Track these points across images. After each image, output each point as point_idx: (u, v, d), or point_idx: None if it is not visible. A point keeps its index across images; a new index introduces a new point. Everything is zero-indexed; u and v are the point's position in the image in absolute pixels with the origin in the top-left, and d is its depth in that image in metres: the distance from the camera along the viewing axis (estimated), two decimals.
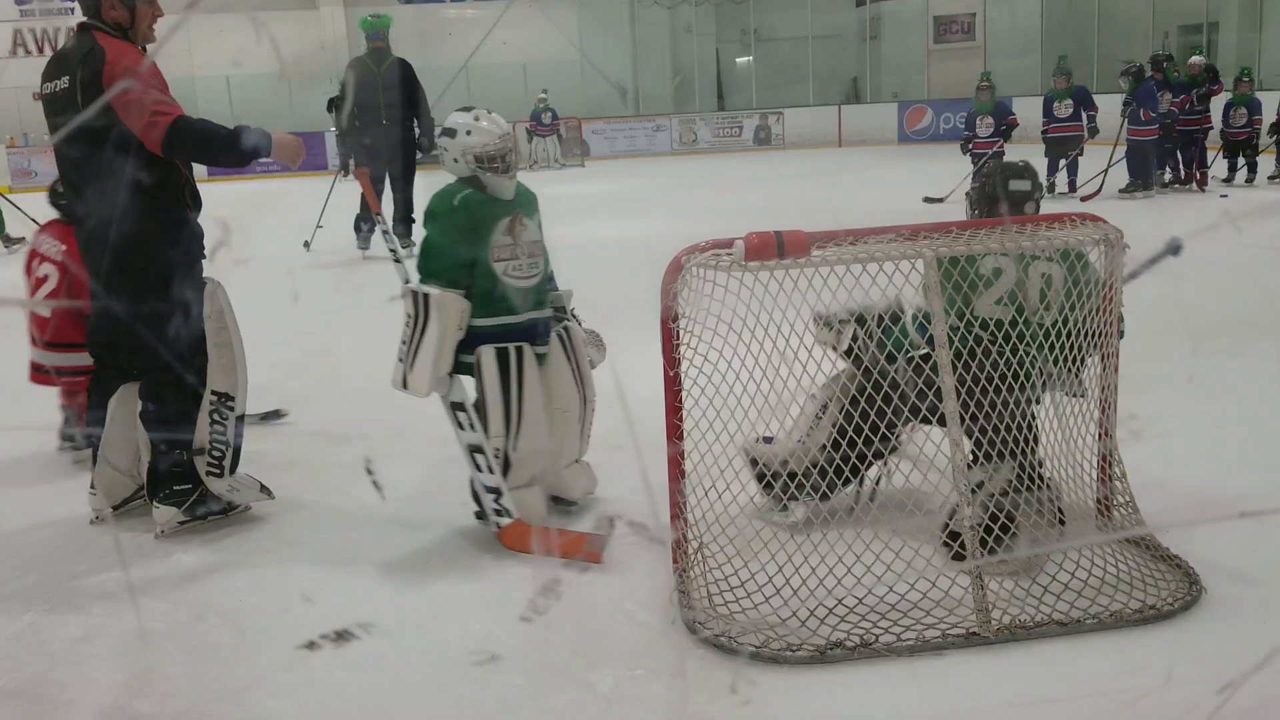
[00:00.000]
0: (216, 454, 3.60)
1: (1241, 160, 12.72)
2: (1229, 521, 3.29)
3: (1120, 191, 12.15)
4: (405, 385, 3.33)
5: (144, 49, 3.53)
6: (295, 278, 8.61)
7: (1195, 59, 13.10)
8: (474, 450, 3.35)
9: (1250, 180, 12.73)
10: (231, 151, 3.41)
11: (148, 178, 3.40)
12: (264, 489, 3.77)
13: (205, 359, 3.57)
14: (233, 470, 3.67)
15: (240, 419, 3.67)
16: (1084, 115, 12.21)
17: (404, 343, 3.32)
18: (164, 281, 3.49)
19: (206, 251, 3.61)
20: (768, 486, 3.36)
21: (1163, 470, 3.59)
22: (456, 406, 3.35)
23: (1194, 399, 4.47)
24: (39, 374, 4.45)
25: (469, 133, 3.41)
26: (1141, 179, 12.09)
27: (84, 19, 3.49)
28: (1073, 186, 12.43)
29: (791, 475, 3.20)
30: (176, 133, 3.31)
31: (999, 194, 3.47)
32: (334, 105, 9.99)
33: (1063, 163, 12.39)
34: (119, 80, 3.33)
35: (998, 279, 3.26)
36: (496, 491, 3.35)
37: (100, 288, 3.55)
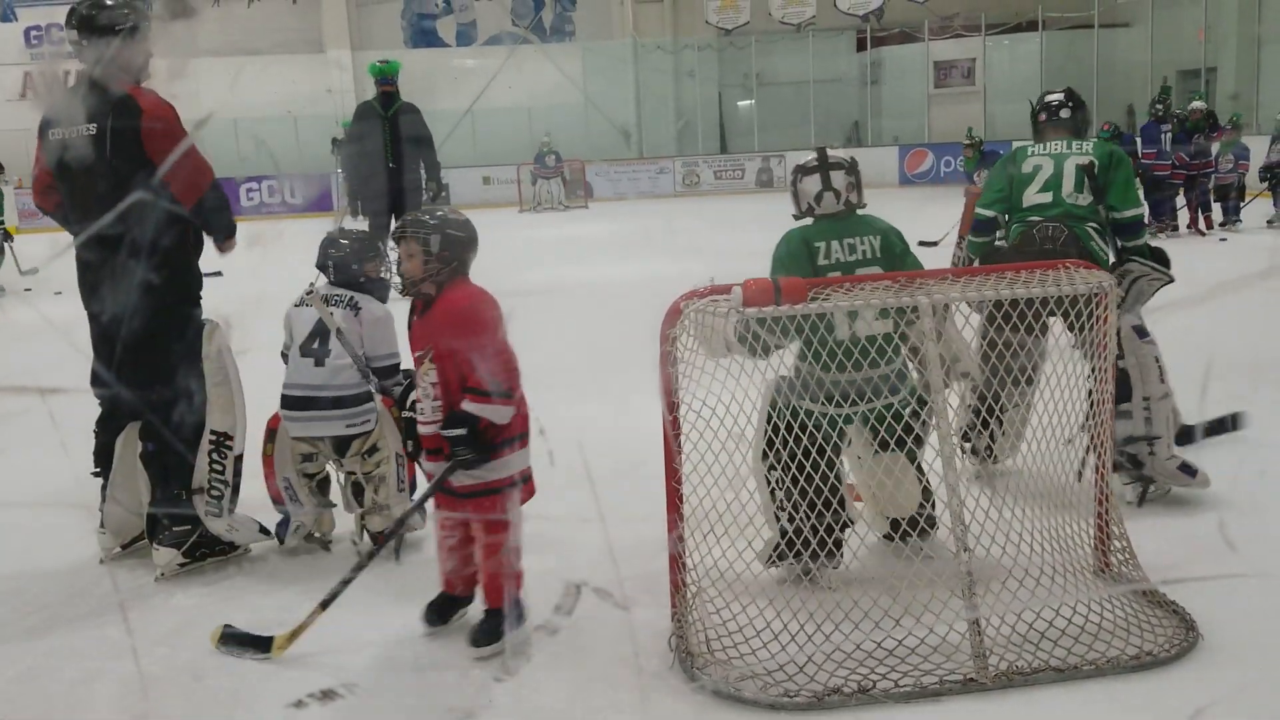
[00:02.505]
0: (216, 494, 3.62)
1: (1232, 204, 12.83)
2: (1224, 567, 3.28)
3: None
4: None
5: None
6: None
7: (1196, 104, 13.19)
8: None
9: (1234, 223, 12.79)
10: (224, 228, 3.73)
11: (156, 221, 3.46)
12: (263, 529, 3.78)
13: (204, 399, 3.60)
14: (231, 510, 3.69)
15: (239, 459, 3.69)
16: None
17: None
18: (164, 322, 3.54)
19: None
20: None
21: (1152, 522, 3.61)
22: None
23: (1195, 446, 4.47)
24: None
25: None
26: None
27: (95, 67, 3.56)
28: None
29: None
30: (212, 193, 3.62)
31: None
32: (337, 144, 10.11)
33: None
34: (157, 128, 3.50)
35: (1037, 174, 4.05)
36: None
37: (102, 328, 3.60)
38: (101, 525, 3.74)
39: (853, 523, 3.34)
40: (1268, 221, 12.87)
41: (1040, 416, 3.14)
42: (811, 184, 3.45)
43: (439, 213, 3.07)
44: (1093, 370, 3.15)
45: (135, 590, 3.55)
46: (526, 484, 3.08)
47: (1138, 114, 19.08)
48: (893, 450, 3.29)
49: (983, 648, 2.75)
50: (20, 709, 2.83)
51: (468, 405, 2.90)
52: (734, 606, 3.02)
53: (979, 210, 4.22)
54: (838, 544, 3.25)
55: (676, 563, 2.98)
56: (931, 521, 3.38)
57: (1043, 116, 4.25)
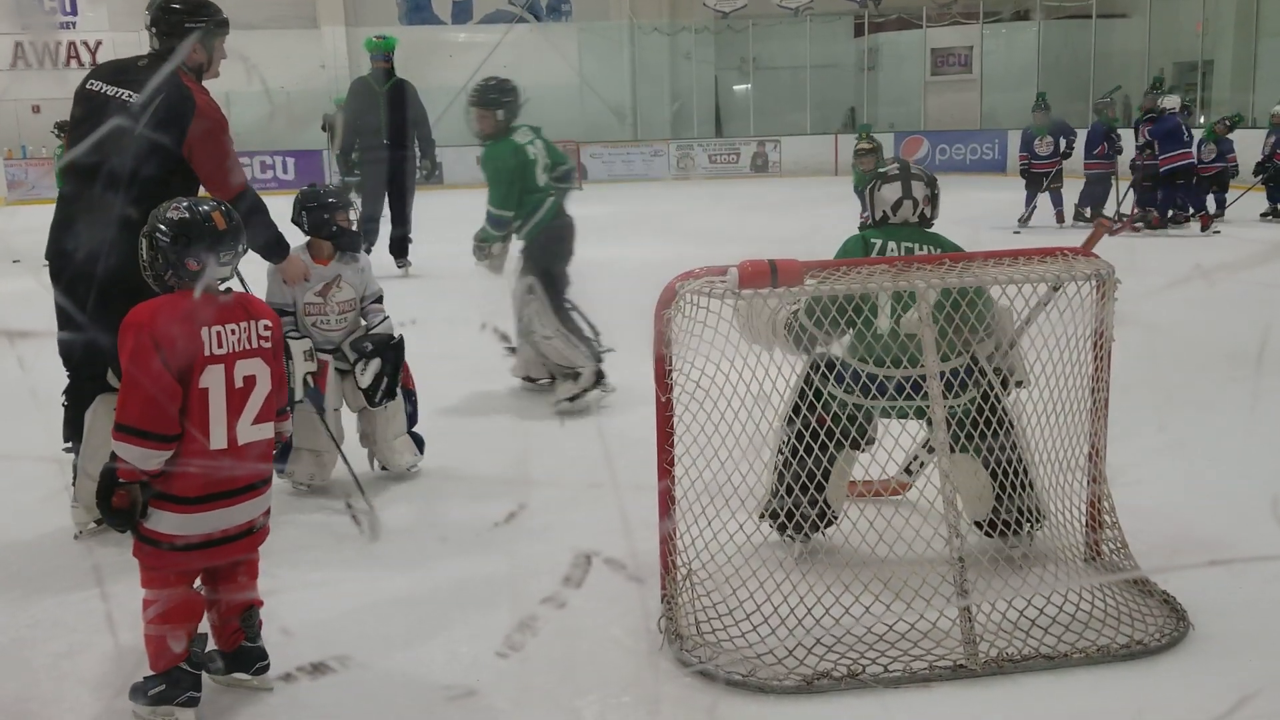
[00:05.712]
0: None
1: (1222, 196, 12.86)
2: (1220, 555, 3.29)
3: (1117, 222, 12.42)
4: None
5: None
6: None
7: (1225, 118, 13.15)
8: None
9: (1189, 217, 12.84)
10: (265, 234, 3.84)
11: (150, 195, 3.41)
12: None
13: None
14: None
15: None
16: (1063, 145, 12.46)
17: None
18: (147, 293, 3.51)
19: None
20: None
21: (1143, 511, 3.60)
22: None
23: (1174, 441, 4.47)
24: None
25: None
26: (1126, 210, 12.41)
27: (161, 51, 3.70)
28: (1060, 218, 12.54)
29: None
30: (247, 195, 3.70)
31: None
32: (328, 124, 10.05)
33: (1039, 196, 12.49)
34: (202, 130, 3.59)
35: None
36: None
37: (87, 294, 3.54)
38: (74, 500, 3.70)
39: (835, 514, 3.35)
40: (1261, 215, 12.88)
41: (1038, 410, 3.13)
42: (891, 191, 3.44)
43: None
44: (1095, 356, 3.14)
45: (123, 564, 3.50)
46: (181, 554, 2.56)
47: (1133, 105, 19.04)
48: (960, 451, 3.18)
49: (973, 634, 2.75)
50: (4, 680, 2.81)
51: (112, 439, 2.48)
52: (724, 589, 3.01)
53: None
54: (815, 525, 3.31)
55: (667, 544, 2.97)
56: (1019, 522, 3.22)
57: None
